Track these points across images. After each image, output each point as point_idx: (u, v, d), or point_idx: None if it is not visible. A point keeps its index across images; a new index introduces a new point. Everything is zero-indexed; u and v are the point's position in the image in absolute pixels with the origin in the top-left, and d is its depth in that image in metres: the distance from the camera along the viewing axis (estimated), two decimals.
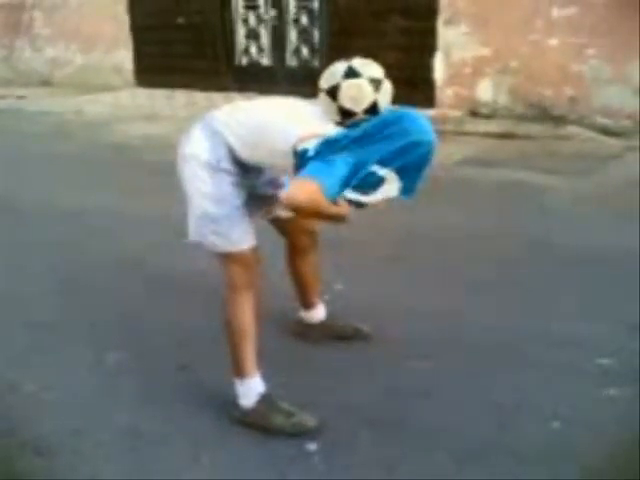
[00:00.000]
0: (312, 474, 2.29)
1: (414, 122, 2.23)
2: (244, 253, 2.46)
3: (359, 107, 2.29)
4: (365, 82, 2.29)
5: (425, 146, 2.22)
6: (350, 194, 2.25)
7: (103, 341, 3.15)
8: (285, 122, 2.34)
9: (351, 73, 2.30)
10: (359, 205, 2.30)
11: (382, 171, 2.22)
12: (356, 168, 2.18)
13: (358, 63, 2.33)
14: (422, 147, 2.22)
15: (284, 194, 2.18)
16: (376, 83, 2.30)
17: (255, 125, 2.39)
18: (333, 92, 2.30)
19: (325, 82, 2.34)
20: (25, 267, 4.02)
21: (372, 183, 2.24)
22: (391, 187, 2.26)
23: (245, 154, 2.40)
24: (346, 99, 2.29)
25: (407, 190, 2.31)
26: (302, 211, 2.27)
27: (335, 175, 2.16)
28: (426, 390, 2.71)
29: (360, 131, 2.23)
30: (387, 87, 2.33)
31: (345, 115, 2.31)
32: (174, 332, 3.20)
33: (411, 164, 2.23)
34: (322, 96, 2.34)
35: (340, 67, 2.33)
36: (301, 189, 2.15)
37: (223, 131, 2.40)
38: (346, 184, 2.19)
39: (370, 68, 2.33)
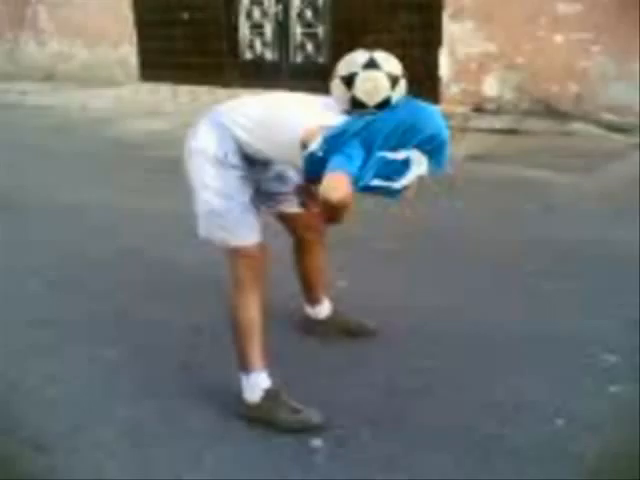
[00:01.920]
0: (315, 471, 2.28)
1: (425, 119, 2.21)
2: (251, 248, 2.44)
3: (372, 101, 2.27)
4: (383, 76, 2.26)
5: (437, 137, 2.21)
6: (379, 183, 2.21)
7: (104, 337, 3.14)
8: (292, 115, 2.33)
9: (371, 64, 2.27)
10: (393, 193, 2.26)
11: (402, 154, 2.20)
12: (366, 153, 2.16)
13: (380, 56, 2.31)
14: (435, 139, 2.21)
15: (320, 194, 2.12)
16: (394, 79, 2.28)
17: (263, 118, 2.38)
18: (349, 80, 2.27)
19: (343, 69, 2.31)
20: (26, 263, 4.01)
21: (397, 170, 2.21)
22: (420, 165, 2.23)
23: (253, 148, 2.39)
24: (361, 90, 2.26)
25: (436, 164, 2.27)
26: (338, 207, 2.16)
27: (357, 165, 2.14)
28: (428, 388, 2.70)
29: (364, 122, 2.20)
30: (403, 85, 2.31)
31: (356, 106, 2.29)
32: (176, 328, 3.19)
33: (427, 149, 2.21)
34: (337, 82, 2.32)
35: (361, 57, 2.30)
36: (338, 184, 2.10)
37: (230, 125, 2.39)
38: (366, 174, 2.16)
39: (390, 63, 2.31)
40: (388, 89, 2.27)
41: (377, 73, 2.26)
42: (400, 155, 2.19)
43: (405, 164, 2.21)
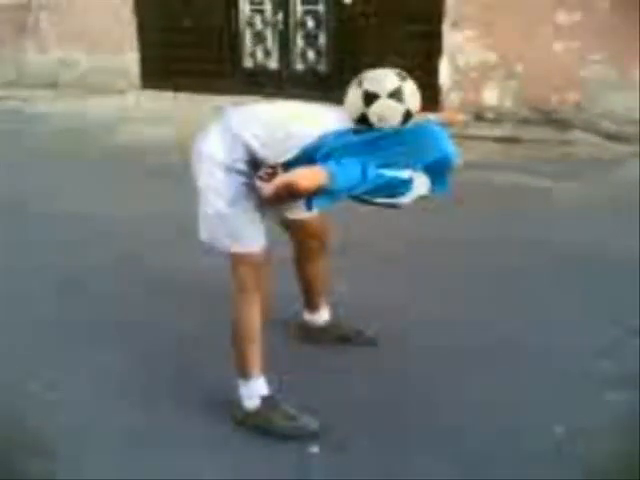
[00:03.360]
0: (313, 476, 2.29)
1: (433, 142, 2.25)
2: (255, 254, 2.45)
3: (379, 125, 2.29)
4: (402, 111, 2.28)
5: (444, 160, 2.25)
6: (381, 200, 2.25)
7: (105, 341, 3.16)
8: (298, 125, 2.35)
9: (397, 95, 2.27)
10: (394, 207, 2.30)
11: (406, 173, 2.22)
12: (365, 168, 2.18)
13: (369, 83, 2.31)
14: (441, 162, 2.25)
15: (290, 175, 2.14)
16: (398, 95, 2.28)
17: (271, 125, 2.39)
18: (364, 120, 2.29)
19: (370, 83, 2.31)
20: (28, 267, 4.03)
21: (399, 187, 2.24)
22: (421, 185, 2.26)
23: (264, 154, 2.39)
24: (375, 114, 2.28)
25: (439, 186, 2.31)
26: (293, 192, 2.17)
27: (348, 169, 2.15)
28: (427, 394, 2.71)
29: (364, 139, 2.23)
30: (410, 89, 2.32)
31: (362, 121, 2.31)
32: (176, 333, 3.20)
33: (433, 170, 2.24)
34: (358, 91, 2.31)
35: (392, 81, 2.30)
36: (312, 175, 2.12)
37: (241, 132, 2.39)
38: (362, 182, 2.18)
39: (414, 99, 2.32)
40: (400, 106, 2.28)
41: (398, 106, 2.28)
42: (405, 174, 2.21)
43: (408, 182, 2.24)
